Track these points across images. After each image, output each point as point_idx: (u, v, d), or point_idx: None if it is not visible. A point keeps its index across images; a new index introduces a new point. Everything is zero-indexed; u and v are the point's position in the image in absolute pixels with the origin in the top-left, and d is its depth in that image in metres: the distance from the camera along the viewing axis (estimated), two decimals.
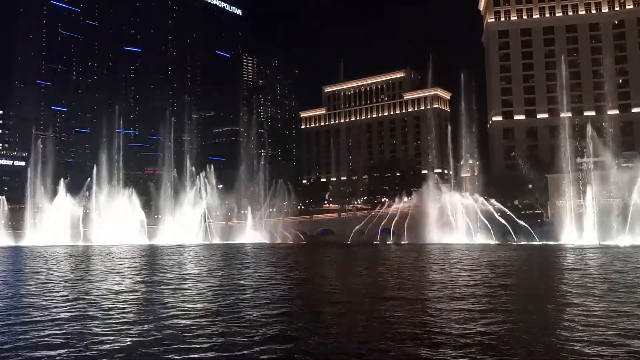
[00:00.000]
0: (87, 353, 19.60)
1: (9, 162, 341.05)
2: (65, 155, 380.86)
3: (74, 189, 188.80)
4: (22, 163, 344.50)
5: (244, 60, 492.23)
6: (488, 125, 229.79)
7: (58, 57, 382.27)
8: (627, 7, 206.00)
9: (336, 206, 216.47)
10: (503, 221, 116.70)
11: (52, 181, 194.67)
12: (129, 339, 21.43)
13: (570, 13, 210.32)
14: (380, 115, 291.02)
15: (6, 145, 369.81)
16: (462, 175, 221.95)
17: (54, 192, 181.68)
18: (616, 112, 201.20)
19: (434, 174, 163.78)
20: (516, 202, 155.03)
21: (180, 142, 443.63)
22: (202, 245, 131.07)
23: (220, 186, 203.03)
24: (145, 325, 24.25)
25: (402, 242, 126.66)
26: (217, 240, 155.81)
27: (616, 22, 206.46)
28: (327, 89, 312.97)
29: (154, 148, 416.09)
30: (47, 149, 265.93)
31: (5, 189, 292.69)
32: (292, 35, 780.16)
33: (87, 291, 38.20)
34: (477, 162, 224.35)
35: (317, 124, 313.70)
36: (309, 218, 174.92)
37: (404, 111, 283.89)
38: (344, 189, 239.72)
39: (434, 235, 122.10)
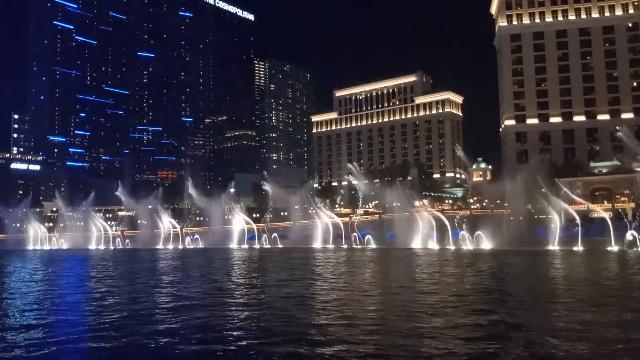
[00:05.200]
0: None
1: (24, 166, 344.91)
2: (80, 159, 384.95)
3: (101, 193, 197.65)
4: (37, 167, 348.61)
5: (256, 65, 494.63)
6: (500, 129, 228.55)
7: (72, 62, 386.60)
8: None
9: (347, 210, 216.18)
10: None
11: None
12: None
13: (583, 16, 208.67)
14: (391, 119, 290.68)
15: (21, 150, 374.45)
16: (474, 179, 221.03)
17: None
18: (631, 115, 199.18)
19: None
20: (529, 206, 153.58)
21: (193, 146, 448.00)
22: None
23: (232, 190, 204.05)
24: None
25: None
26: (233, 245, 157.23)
27: (630, 25, 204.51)
28: (338, 93, 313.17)
29: (167, 152, 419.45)
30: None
31: (20, 192, 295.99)
32: (304, 40, 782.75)
33: None
34: (490, 166, 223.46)
35: (329, 128, 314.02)
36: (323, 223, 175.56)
37: (415, 115, 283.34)
38: (355, 193, 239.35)
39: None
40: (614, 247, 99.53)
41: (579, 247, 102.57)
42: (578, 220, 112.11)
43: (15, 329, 28.09)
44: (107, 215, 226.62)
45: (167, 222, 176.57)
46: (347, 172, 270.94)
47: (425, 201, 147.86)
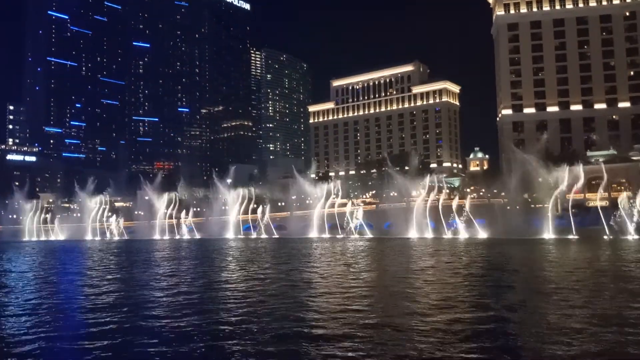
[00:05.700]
0: None
1: (20, 157, 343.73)
2: (76, 150, 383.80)
3: (101, 184, 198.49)
4: (33, 158, 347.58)
5: (252, 55, 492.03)
6: (497, 119, 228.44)
7: (67, 53, 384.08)
8: None
9: (344, 200, 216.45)
10: None
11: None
12: None
13: (580, 5, 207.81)
14: (388, 108, 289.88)
15: (17, 141, 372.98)
16: (471, 168, 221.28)
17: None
18: (627, 104, 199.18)
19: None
20: (525, 195, 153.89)
21: (189, 136, 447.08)
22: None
23: (229, 181, 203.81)
24: None
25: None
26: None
27: (627, 14, 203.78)
28: (336, 83, 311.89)
29: (163, 143, 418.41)
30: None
31: (16, 183, 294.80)
32: (300, 30, 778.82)
33: None
34: (487, 156, 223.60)
35: (326, 118, 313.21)
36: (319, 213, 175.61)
37: (412, 105, 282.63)
38: (352, 183, 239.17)
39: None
40: (610, 236, 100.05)
41: (574, 236, 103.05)
42: (573, 210, 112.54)
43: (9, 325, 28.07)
44: (104, 207, 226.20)
45: (166, 205, 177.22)
46: (343, 163, 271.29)
47: (422, 191, 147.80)
